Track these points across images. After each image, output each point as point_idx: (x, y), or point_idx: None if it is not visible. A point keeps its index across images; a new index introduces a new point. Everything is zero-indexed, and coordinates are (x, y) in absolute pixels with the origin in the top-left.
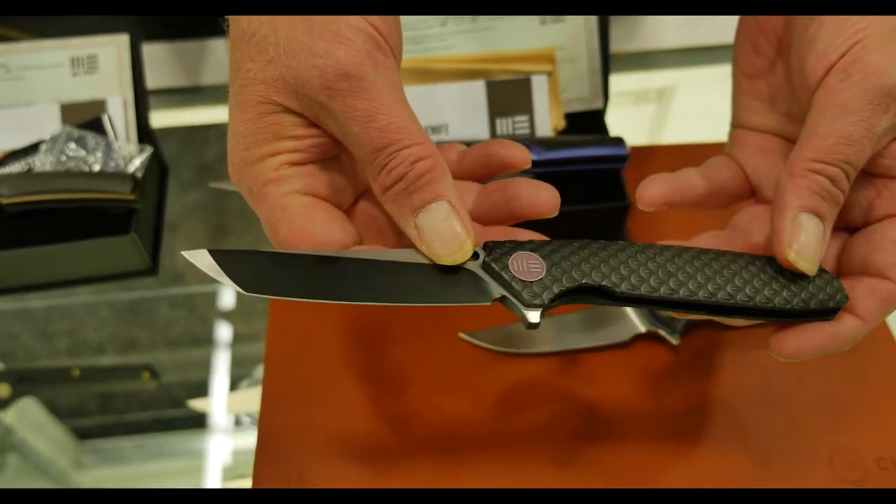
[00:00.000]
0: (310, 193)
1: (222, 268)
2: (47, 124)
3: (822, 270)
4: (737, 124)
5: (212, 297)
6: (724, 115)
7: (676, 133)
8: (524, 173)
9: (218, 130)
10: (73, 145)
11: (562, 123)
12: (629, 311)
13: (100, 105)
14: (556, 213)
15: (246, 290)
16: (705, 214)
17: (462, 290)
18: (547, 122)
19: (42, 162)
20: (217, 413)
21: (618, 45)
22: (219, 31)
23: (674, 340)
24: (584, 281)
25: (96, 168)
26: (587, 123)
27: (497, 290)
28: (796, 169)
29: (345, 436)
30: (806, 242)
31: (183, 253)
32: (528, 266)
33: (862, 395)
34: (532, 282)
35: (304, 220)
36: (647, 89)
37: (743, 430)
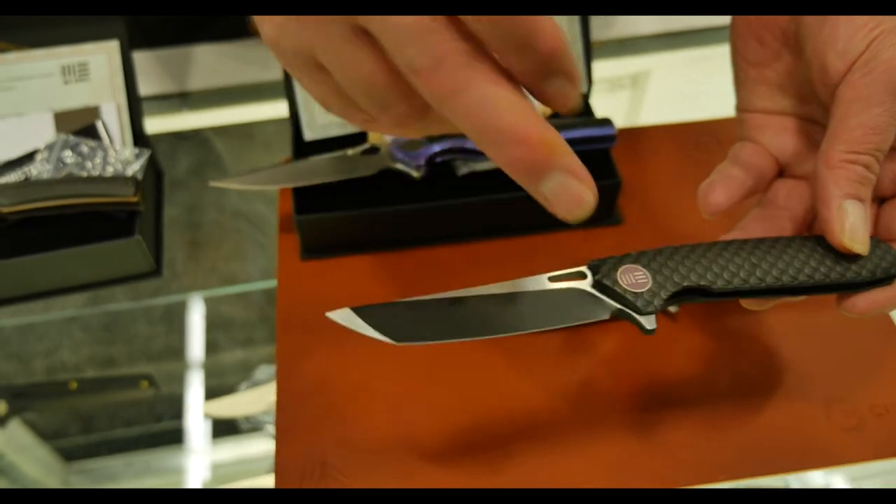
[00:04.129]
0: None
1: (369, 324)
2: (41, 133)
3: (879, 242)
4: (746, 109)
5: (196, 306)
6: (698, 96)
7: (653, 116)
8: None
9: (207, 134)
10: (68, 153)
11: (549, 109)
12: None
13: (93, 111)
14: None
15: (396, 342)
16: (693, 191)
17: (580, 310)
18: (535, 107)
19: (38, 171)
20: (212, 422)
21: (593, 33)
22: (203, 37)
23: (673, 309)
24: (685, 284)
25: (94, 174)
26: None
27: (612, 304)
28: (833, 161)
29: (364, 419)
30: (854, 226)
31: (328, 314)
32: (635, 279)
33: (853, 350)
34: (642, 292)
35: None
36: (621, 76)
37: (744, 386)
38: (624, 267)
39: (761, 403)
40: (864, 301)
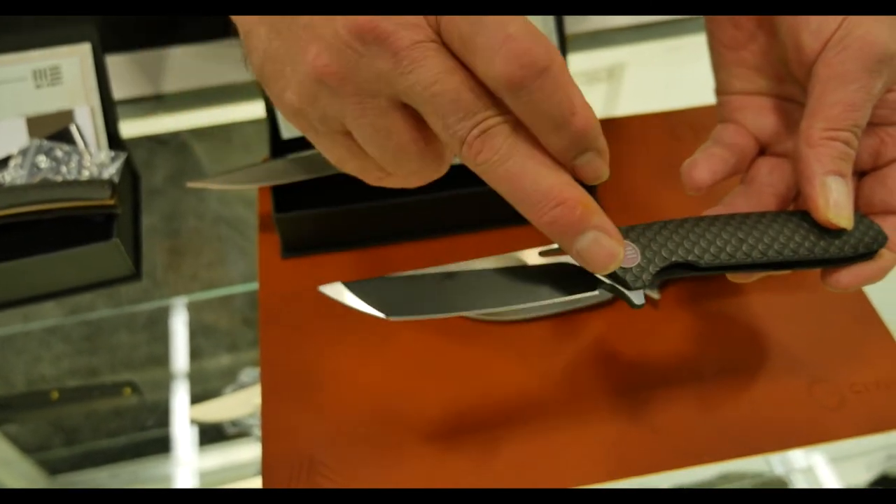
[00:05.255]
0: None
1: (361, 298)
2: (14, 139)
3: (862, 217)
4: (725, 92)
5: (178, 312)
6: (672, 86)
7: (628, 107)
8: None
9: (184, 137)
10: (42, 158)
11: None
12: None
13: (67, 115)
14: None
15: (388, 316)
16: (669, 180)
17: (570, 285)
18: None
19: (12, 177)
20: (199, 427)
21: (566, 27)
22: (177, 39)
23: (655, 295)
24: (673, 259)
25: (69, 179)
26: None
27: (601, 279)
28: (813, 139)
29: (350, 415)
30: (837, 201)
31: (319, 288)
32: (625, 254)
33: (831, 330)
34: (631, 268)
35: None
36: (597, 69)
37: (727, 371)
38: None
39: (745, 387)
40: (848, 276)
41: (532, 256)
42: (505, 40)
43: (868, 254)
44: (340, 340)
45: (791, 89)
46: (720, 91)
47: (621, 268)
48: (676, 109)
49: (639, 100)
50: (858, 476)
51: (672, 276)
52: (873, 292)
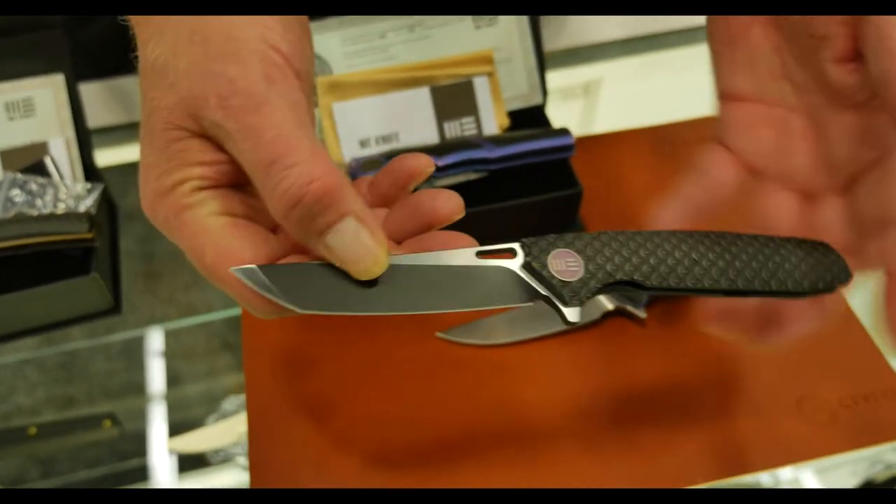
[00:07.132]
0: (228, 213)
1: (274, 285)
2: None
3: (829, 250)
4: (722, 96)
5: (156, 339)
6: (648, 101)
7: (606, 124)
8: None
9: None
10: (17, 191)
11: (506, 121)
12: None
13: (41, 147)
14: (461, 215)
15: (301, 309)
16: (654, 195)
17: (506, 293)
18: (492, 121)
19: None
20: (181, 457)
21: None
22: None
23: (640, 314)
24: (618, 276)
25: (45, 212)
26: (529, 119)
27: (538, 290)
28: None
29: (341, 443)
30: None
31: (232, 269)
32: (566, 265)
33: (814, 346)
34: (571, 282)
35: (228, 239)
36: (573, 85)
37: (713, 388)
38: (557, 251)
39: (735, 406)
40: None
41: (469, 257)
42: None
43: (826, 290)
44: (328, 366)
45: (784, 87)
46: (717, 95)
47: (560, 281)
48: (655, 125)
49: (615, 116)
50: (843, 482)
51: (616, 291)
52: (856, 302)
